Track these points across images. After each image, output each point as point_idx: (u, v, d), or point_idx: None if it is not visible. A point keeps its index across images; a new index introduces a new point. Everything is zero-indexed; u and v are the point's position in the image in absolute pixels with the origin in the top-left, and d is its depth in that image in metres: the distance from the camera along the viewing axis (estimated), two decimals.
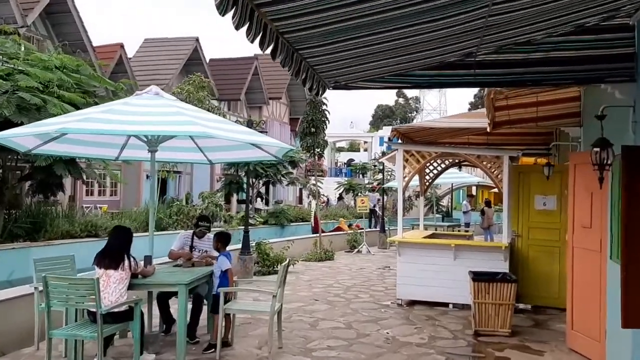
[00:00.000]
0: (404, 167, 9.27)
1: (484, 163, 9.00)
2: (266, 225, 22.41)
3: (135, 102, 6.10)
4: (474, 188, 39.73)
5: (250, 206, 25.35)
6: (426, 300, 9.09)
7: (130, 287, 5.84)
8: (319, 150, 15.00)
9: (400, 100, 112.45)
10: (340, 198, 35.82)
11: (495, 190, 34.75)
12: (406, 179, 9.25)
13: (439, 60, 4.95)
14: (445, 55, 4.87)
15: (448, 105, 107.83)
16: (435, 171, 11.27)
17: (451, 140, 10.60)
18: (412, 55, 4.74)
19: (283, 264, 6.33)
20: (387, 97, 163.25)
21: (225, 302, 6.17)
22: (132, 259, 5.75)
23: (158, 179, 22.68)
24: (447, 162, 11.15)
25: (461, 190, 49.60)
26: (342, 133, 63.36)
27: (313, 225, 20.79)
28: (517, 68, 5.01)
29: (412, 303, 9.16)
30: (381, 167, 21.23)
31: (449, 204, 36.35)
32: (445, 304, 9.00)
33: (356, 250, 17.02)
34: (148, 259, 6.33)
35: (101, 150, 7.69)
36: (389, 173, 24.27)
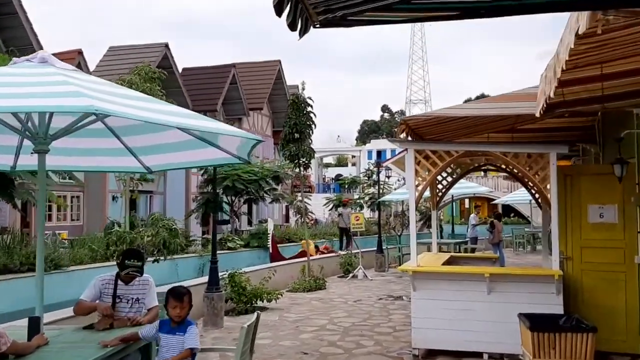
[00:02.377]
0: (416, 172, 7.00)
1: (522, 165, 6.77)
2: (248, 249, 20.02)
3: (3, 71, 3.81)
4: (466, 200, 37.61)
5: (230, 227, 22.95)
6: (452, 350, 6.77)
7: None
8: (304, 159, 12.69)
9: (386, 115, 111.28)
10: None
11: (494, 202, 32.49)
12: (420, 187, 6.96)
13: None
14: None
15: None
16: (449, 178, 9.03)
17: (468, 139, 8.38)
18: None
19: (248, 324, 3.99)
20: (372, 112, 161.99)
21: None
22: None
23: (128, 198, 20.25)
24: (462, 167, 8.91)
25: (453, 204, 47.55)
26: (329, 148, 61.22)
27: (271, 250, 18.31)
28: None
29: (433, 353, 6.84)
30: (375, 179, 18.95)
31: (440, 217, 33.90)
32: (478, 354, 6.68)
33: (351, 275, 14.66)
34: (33, 324, 3.96)
35: None
36: (383, 186, 21.93)
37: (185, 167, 6.83)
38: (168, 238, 7.12)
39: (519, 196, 27.21)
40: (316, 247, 19.01)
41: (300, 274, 13.21)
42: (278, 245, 19.80)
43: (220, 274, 10.38)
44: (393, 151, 57.04)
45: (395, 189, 27.39)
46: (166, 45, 23.14)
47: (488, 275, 6.56)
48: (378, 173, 17.79)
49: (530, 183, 8.81)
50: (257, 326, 4.28)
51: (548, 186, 6.74)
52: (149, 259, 7.66)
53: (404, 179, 33.92)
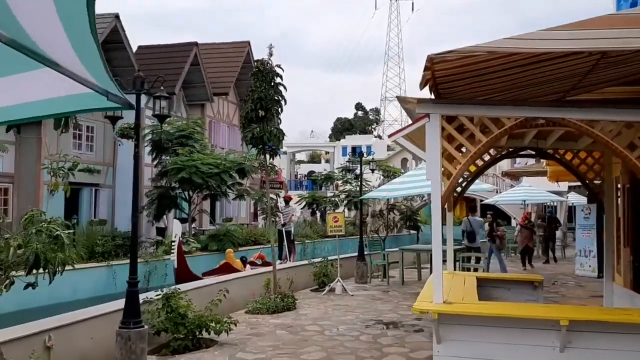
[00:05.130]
0: (443, 151, 4.34)
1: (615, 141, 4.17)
2: (205, 252, 17.18)
3: None
4: None
5: (183, 227, 20.03)
6: None
7: None
8: (271, 144, 9.93)
9: (360, 113, 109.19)
10: (313, 213, 30.62)
11: (484, 202, 30.16)
12: (451, 179, 4.30)
13: None
14: None
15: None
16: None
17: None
18: None
19: None
20: (346, 111, 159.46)
21: None
22: None
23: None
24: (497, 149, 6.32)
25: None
26: (303, 143, 58.51)
27: (175, 265, 12.90)
28: None
29: None
30: (357, 174, 16.32)
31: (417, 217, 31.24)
32: None
33: (328, 288, 11.96)
34: None
35: None
36: (364, 182, 19.24)
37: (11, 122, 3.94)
38: (45, 250, 4.44)
39: (508, 197, 25.06)
40: (244, 259, 14.86)
41: (264, 289, 10.46)
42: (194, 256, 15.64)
43: (153, 295, 7.68)
44: (369, 147, 54.55)
45: (375, 186, 24.93)
46: (116, 16, 20.03)
47: (566, 323, 3.93)
48: (361, 166, 15.12)
49: (588, 175, 6.30)
50: None
51: None
52: (17, 277, 4.82)
53: (387, 174, 31.47)
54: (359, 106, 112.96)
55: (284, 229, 16.19)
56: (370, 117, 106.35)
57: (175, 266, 12.86)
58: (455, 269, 7.98)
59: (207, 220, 24.40)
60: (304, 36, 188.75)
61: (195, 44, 23.59)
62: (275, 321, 8.99)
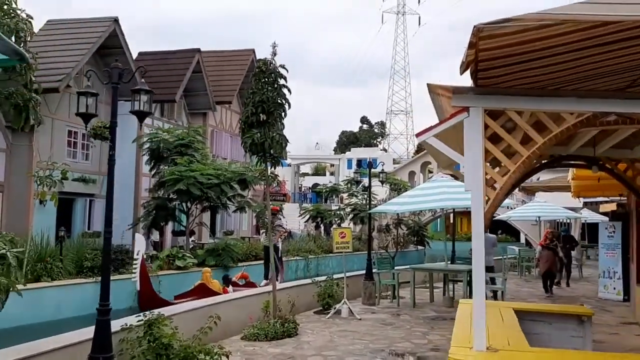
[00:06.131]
0: (486, 155, 3.39)
1: None
2: (203, 267, 16.17)
3: None
4: (451, 215, 34.19)
5: (180, 239, 19.12)
6: None
7: None
8: (273, 151, 9.00)
9: (365, 126, 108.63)
10: (317, 227, 29.62)
11: (496, 218, 29.07)
12: (498, 190, 3.35)
13: None
14: None
15: (417, 130, 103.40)
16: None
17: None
18: None
19: None
20: (351, 124, 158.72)
21: None
22: None
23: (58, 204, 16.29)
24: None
25: (439, 219, 43.81)
26: (307, 155, 57.62)
27: (138, 287, 11.47)
28: None
29: None
30: (365, 186, 15.40)
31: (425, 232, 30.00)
32: None
33: (333, 311, 10.94)
34: None
35: None
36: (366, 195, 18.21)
37: None
38: None
39: (521, 212, 23.91)
40: (227, 279, 13.48)
41: (263, 311, 9.45)
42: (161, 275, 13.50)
43: (133, 320, 6.73)
44: (374, 160, 53.66)
45: (383, 200, 23.97)
46: (115, 20, 19.28)
47: None
48: (369, 177, 14.18)
49: None
50: None
51: None
52: None
53: (395, 188, 30.44)
54: (364, 119, 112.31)
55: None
56: (376, 130, 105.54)
57: (138, 288, 11.28)
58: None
59: (207, 233, 23.47)
60: (310, 50, 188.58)
61: (198, 50, 22.81)
62: (274, 350, 7.98)
